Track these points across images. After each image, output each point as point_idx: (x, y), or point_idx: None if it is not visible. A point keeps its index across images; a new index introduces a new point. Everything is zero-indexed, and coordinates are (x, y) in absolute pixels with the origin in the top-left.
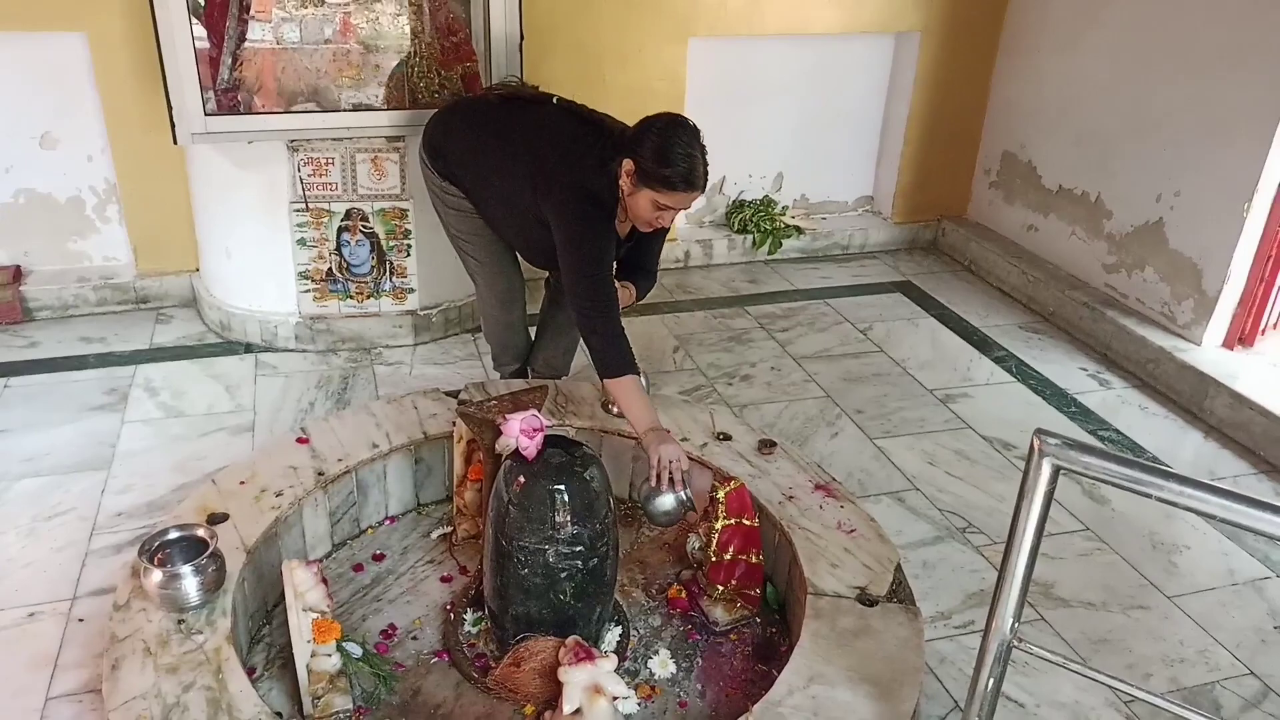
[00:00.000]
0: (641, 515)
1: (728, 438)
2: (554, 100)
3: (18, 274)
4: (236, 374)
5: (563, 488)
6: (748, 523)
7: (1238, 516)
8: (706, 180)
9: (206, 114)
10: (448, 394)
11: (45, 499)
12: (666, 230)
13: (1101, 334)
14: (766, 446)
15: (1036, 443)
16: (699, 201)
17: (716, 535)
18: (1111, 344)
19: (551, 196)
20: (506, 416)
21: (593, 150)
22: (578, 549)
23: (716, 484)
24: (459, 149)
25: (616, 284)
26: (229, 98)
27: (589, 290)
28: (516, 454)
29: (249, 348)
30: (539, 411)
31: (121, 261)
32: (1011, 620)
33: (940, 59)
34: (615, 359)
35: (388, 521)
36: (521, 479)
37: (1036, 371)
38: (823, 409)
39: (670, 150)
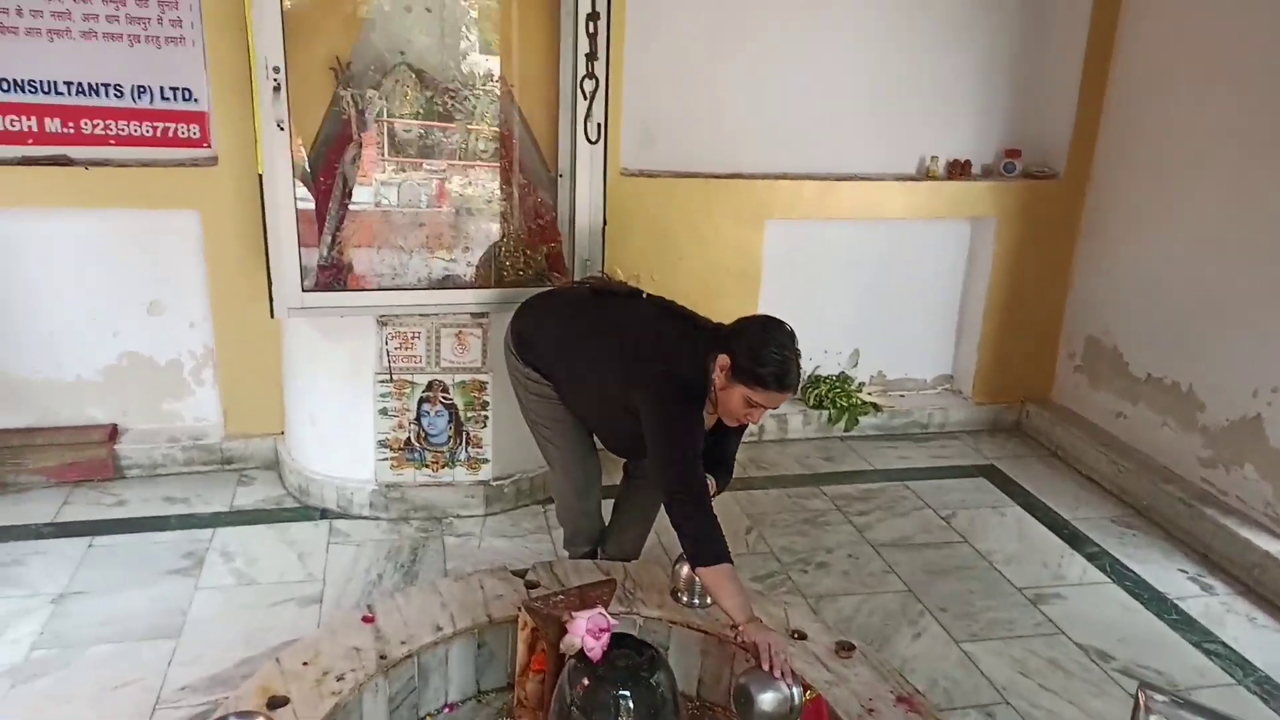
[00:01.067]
0: (708, 713)
1: (803, 636)
2: (644, 295)
3: (114, 433)
4: (310, 541)
5: (629, 694)
6: None
7: None
8: (799, 381)
9: (304, 290)
10: (515, 573)
11: (114, 667)
12: (746, 427)
13: (1201, 533)
14: (844, 649)
15: (1142, 699)
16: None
17: None
18: (1212, 544)
19: (643, 385)
20: (573, 615)
21: (685, 342)
22: None
23: None
24: (548, 338)
25: None
26: (325, 275)
27: (681, 478)
28: (582, 654)
29: (324, 513)
30: (606, 609)
31: (211, 422)
32: None
33: (1018, 242)
34: (708, 548)
35: (447, 709)
36: (585, 681)
37: (1133, 572)
38: (904, 605)
39: (765, 349)
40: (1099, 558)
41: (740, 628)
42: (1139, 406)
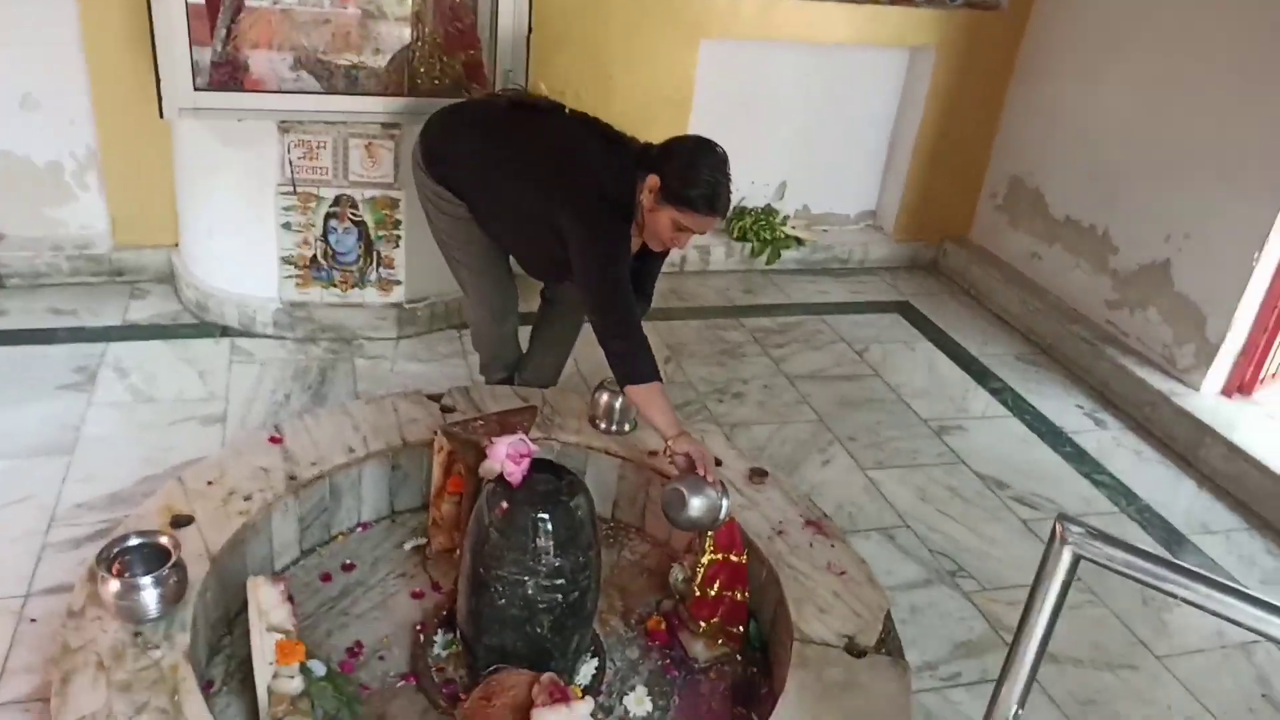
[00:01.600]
0: (622, 533)
1: (718, 463)
2: (566, 110)
3: None
4: (211, 359)
5: (547, 516)
6: (735, 559)
7: (1270, 628)
8: (728, 206)
9: (196, 89)
10: (430, 398)
11: (3, 484)
12: (668, 253)
13: (1100, 371)
14: (758, 475)
15: (1059, 529)
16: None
17: (702, 570)
18: (1109, 382)
19: (570, 205)
20: (493, 440)
21: (612, 161)
22: (559, 582)
23: None
24: (462, 153)
25: None
26: (220, 72)
27: (610, 297)
28: (501, 478)
29: (225, 331)
30: (526, 435)
31: (98, 231)
32: (1016, 707)
33: (954, 76)
34: (640, 366)
35: (360, 529)
36: (504, 505)
37: (1032, 406)
38: (815, 434)
39: (697, 172)
40: (1002, 393)
41: (670, 441)
42: (1054, 248)
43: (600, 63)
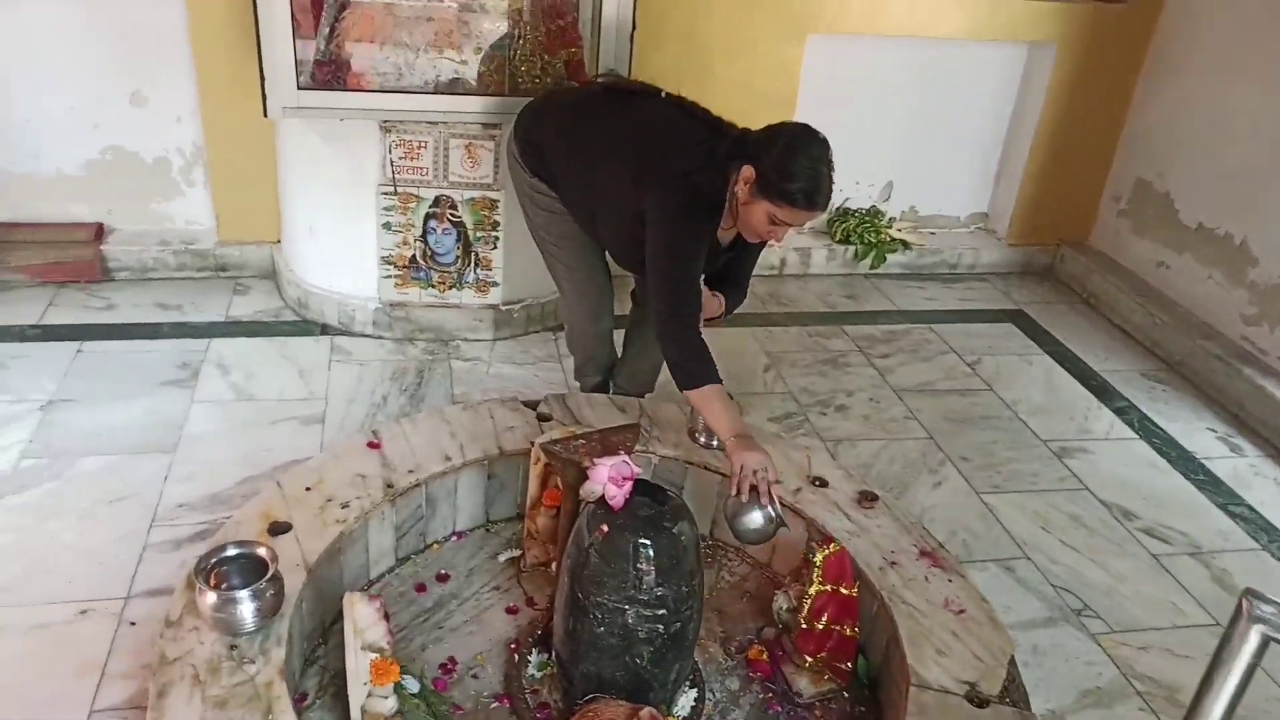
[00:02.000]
0: (721, 553)
1: (824, 484)
2: (663, 94)
3: (100, 232)
4: (311, 357)
5: (649, 542)
6: (845, 591)
7: None
8: (829, 200)
9: (300, 88)
10: (526, 405)
11: (108, 481)
12: (765, 244)
13: (1235, 392)
14: (867, 499)
15: (1246, 606)
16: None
17: (809, 601)
18: (1246, 404)
19: (655, 191)
20: (595, 460)
21: (706, 148)
22: (660, 612)
23: (814, 544)
24: (555, 141)
25: (708, 292)
26: (323, 70)
27: (674, 295)
28: (602, 500)
29: (325, 329)
30: (630, 457)
31: (204, 226)
32: None
33: (1077, 73)
34: (696, 368)
35: (454, 538)
36: (605, 527)
37: (1161, 429)
38: (925, 452)
39: (796, 163)
40: (1127, 412)
41: (728, 448)
42: (1184, 257)
43: (701, 58)
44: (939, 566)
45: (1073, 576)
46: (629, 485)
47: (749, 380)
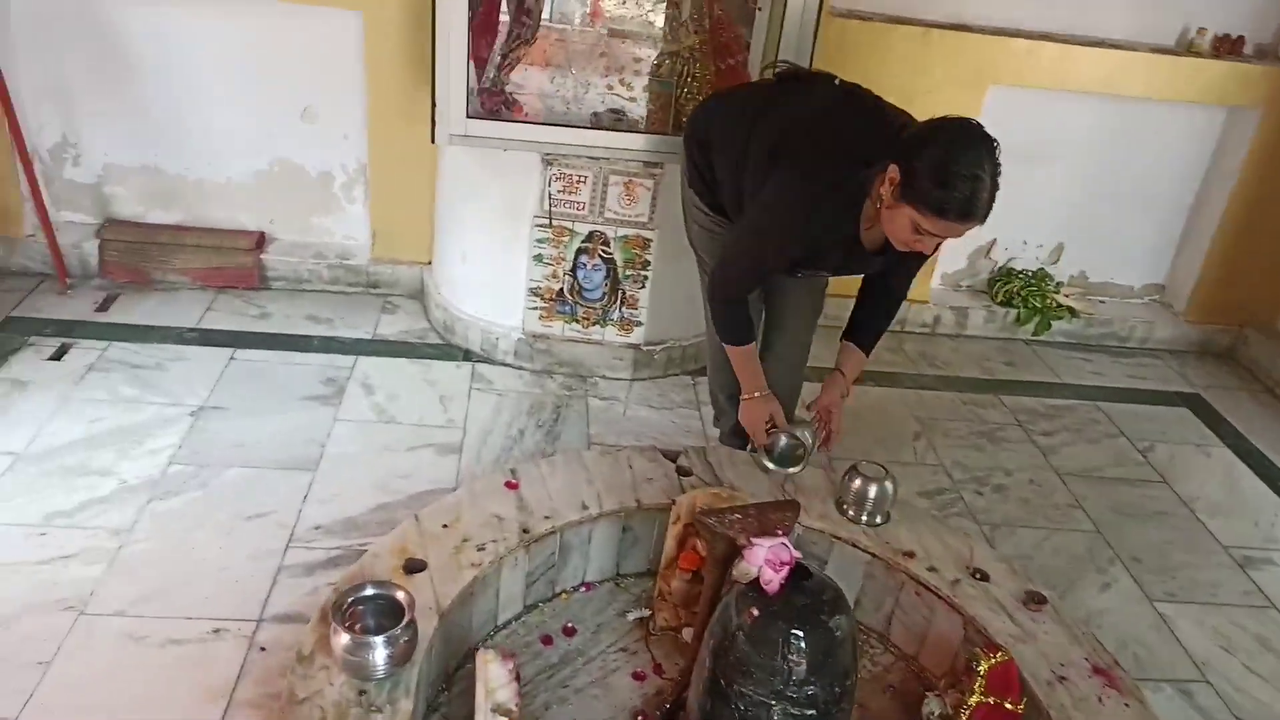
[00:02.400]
0: (864, 638)
1: (985, 577)
2: (836, 81)
3: (261, 241)
4: (452, 383)
5: (802, 634)
6: (1010, 706)
7: None
8: (988, 214)
9: (468, 116)
10: (666, 455)
11: (249, 495)
12: (924, 257)
13: None
14: (1035, 601)
15: None
16: (973, 232)
17: (968, 713)
18: None
19: (780, 169)
20: (752, 540)
21: (859, 138)
22: (809, 712)
23: (977, 650)
24: (718, 132)
25: (823, 412)
26: (490, 99)
27: (740, 273)
28: (754, 582)
29: (467, 355)
30: (789, 540)
31: (359, 242)
32: None
33: None
34: (741, 330)
35: (583, 588)
36: (755, 612)
37: None
38: (1092, 548)
39: (953, 168)
40: None
41: (743, 398)
42: None
43: None
44: (1114, 687)
45: (1260, 710)
46: (786, 570)
47: (897, 447)
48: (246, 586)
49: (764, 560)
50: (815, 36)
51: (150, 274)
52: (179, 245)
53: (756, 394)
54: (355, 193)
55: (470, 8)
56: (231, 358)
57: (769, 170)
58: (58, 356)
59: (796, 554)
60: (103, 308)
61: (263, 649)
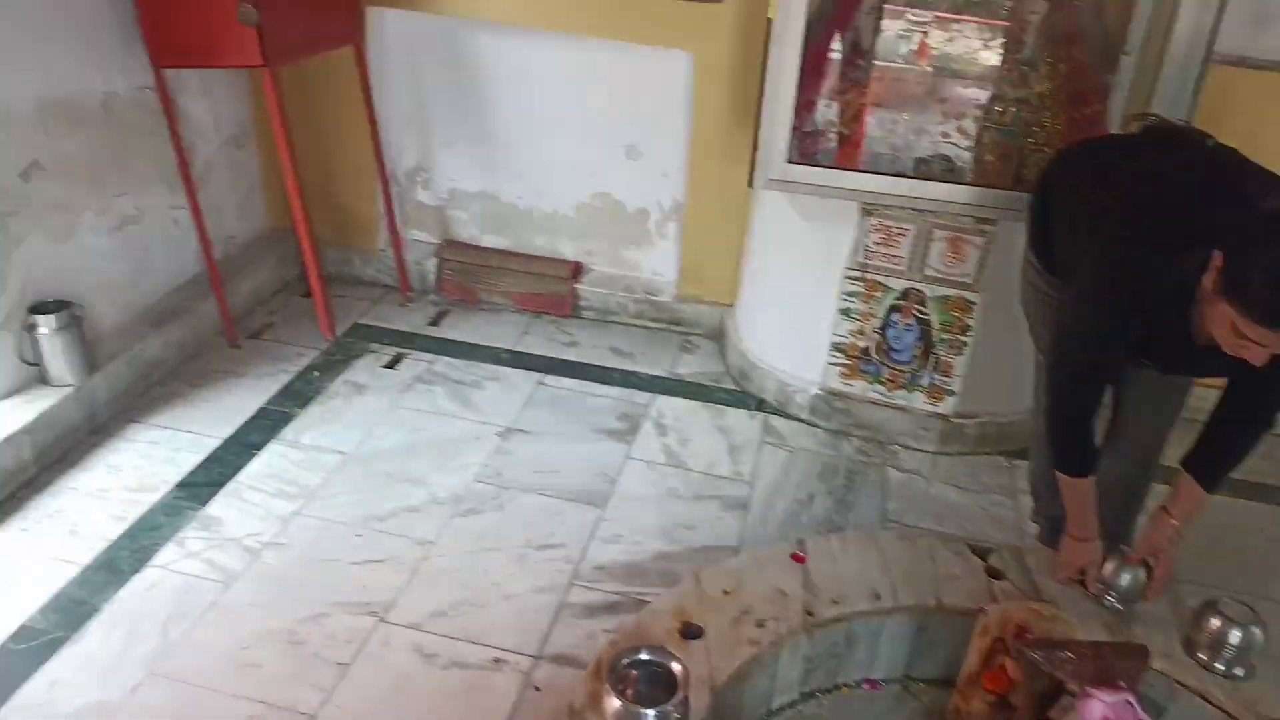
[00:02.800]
0: None
1: None
2: (1210, 142)
3: (577, 271)
4: (743, 433)
5: None
6: None
7: None
8: None
9: (788, 161)
10: (974, 551)
11: (542, 524)
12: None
13: None
14: None
15: None
16: None
17: None
18: None
19: (1097, 243)
20: (1088, 689)
21: (1205, 210)
22: None
23: None
24: (1062, 179)
25: (1145, 555)
26: (809, 144)
27: (1073, 364)
28: None
29: (761, 404)
30: (1134, 698)
31: (666, 279)
32: None
33: None
34: (1080, 458)
35: (866, 685)
36: None
37: None
38: None
39: (1264, 259)
40: None
41: (1065, 538)
42: None
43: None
44: None
45: None
46: None
47: (1265, 579)
48: (529, 619)
49: (1101, 715)
50: (1198, 87)
51: (479, 294)
52: (505, 269)
53: (1086, 538)
54: (668, 229)
55: (802, 52)
56: (540, 383)
57: (1098, 231)
58: (392, 365)
59: (1144, 717)
60: (434, 322)
61: (537, 689)
